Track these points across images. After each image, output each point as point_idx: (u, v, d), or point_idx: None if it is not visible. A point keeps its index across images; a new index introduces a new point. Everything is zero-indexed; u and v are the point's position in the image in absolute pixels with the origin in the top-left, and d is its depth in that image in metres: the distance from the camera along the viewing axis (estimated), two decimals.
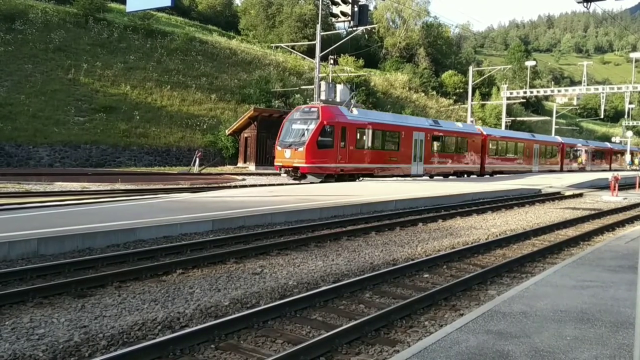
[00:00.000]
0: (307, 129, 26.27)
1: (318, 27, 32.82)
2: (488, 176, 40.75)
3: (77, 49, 47.32)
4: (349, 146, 27.72)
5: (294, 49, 49.06)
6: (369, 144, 29.46)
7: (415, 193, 21.05)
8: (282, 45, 50.66)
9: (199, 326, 6.17)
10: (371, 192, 20.86)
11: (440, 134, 35.59)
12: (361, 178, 29.53)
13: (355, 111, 29.26)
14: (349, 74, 59.26)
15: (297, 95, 54.33)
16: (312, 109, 27.12)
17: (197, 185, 25.53)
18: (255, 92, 52.39)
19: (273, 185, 26.27)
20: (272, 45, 60.27)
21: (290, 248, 11.16)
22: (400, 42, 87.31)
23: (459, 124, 40.46)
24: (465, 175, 39.08)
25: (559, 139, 56.92)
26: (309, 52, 47.52)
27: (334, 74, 43.93)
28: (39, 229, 10.20)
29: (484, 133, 41.22)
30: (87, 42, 48.85)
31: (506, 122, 60.96)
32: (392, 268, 9.34)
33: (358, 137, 28.60)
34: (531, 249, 11.94)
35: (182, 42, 56.12)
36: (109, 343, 5.86)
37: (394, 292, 8.30)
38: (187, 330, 6.05)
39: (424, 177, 34.46)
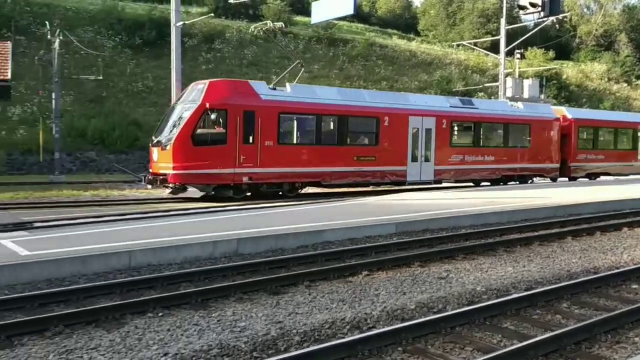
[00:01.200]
0: (182, 117, 18.21)
1: (502, 21, 31.42)
2: (581, 179, 28.81)
3: (267, 62, 50.85)
4: (265, 141, 18.78)
5: (476, 45, 47.54)
6: (312, 138, 20.42)
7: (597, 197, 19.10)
8: (463, 42, 49.26)
9: (387, 328, 6.20)
10: (565, 196, 19.37)
11: (470, 118, 24.33)
12: (300, 189, 20.48)
13: (289, 88, 20.21)
14: (538, 68, 55.78)
15: (481, 94, 52.51)
16: (199, 86, 18.91)
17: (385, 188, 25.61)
18: (437, 92, 51.69)
19: (461, 187, 25.49)
20: (453, 43, 58.98)
21: (476, 252, 10.77)
22: (596, 29, 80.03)
23: (518, 105, 27.25)
24: (533, 181, 27.16)
25: None
26: (493, 47, 45.66)
27: (520, 69, 41.67)
28: (238, 230, 11.09)
29: (569, 117, 28.16)
30: (275, 55, 52.26)
31: None
32: (593, 277, 8.56)
33: (284, 126, 19.78)
34: None
35: (363, 48, 57.41)
36: (302, 339, 6.14)
37: (596, 303, 7.59)
38: (375, 331, 6.12)
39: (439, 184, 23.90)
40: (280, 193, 19.84)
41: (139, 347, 5.85)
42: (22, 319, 6.50)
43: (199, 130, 17.87)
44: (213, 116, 17.92)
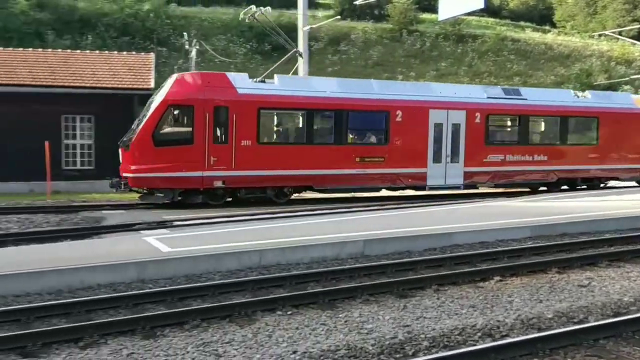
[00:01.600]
0: (145, 115, 16.44)
1: None
2: None
3: (393, 62, 50.60)
4: (241, 140, 16.55)
5: (621, 34, 43.90)
6: (301, 136, 18.09)
7: None
8: (606, 32, 45.74)
9: (521, 337, 5.87)
10: None
11: (514, 111, 20.59)
12: (289, 195, 17.91)
13: (277, 80, 17.65)
14: None
15: (627, 87, 48.41)
16: (168, 81, 16.94)
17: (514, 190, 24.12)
18: (575, 87, 48.44)
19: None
20: (594, 34, 55.02)
21: (623, 259, 9.90)
22: None
23: (585, 94, 22.88)
24: (605, 184, 22.49)
25: None
26: None
27: None
28: (364, 231, 11.09)
29: None
30: (401, 55, 51.85)
31: None
32: None
33: (266, 123, 17.74)
34: None
35: (493, 43, 55.27)
36: (430, 344, 5.97)
37: None
38: (509, 340, 5.82)
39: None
40: (272, 198, 17.47)
41: (269, 344, 6.01)
42: (164, 312, 6.95)
43: (161, 129, 15.98)
44: (177, 113, 16.01)
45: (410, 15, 55.66)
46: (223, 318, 6.83)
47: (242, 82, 16.92)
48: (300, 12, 23.76)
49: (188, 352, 5.83)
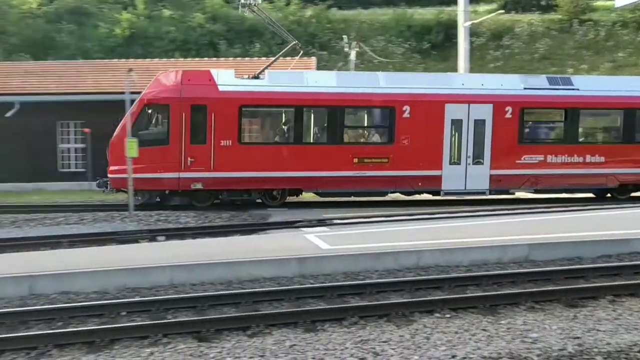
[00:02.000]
0: (126, 114, 15.65)
1: None
2: None
3: (562, 54, 47.24)
4: (220, 140, 15.55)
5: None
6: (289, 135, 16.57)
7: None
8: None
9: None
10: None
11: (559, 103, 17.48)
12: (280, 198, 16.50)
13: (267, 76, 16.27)
14: None
15: None
16: (153, 79, 16.36)
17: None
18: None
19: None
20: None
21: None
22: None
23: None
24: None
25: None
26: None
27: None
28: (529, 235, 10.48)
29: None
30: (571, 47, 48.23)
31: None
32: None
33: (248, 122, 16.83)
34: None
35: None
36: (604, 359, 5.49)
37: None
38: None
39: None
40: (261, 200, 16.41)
41: (427, 346, 5.93)
42: (324, 307, 7.17)
43: (137, 129, 15.29)
44: (153, 112, 15.77)
45: (582, 4, 51.60)
46: (380, 317, 6.87)
47: (225, 79, 15.98)
48: (461, 8, 23.14)
49: (347, 347, 5.95)
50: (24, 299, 7.75)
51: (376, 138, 17.03)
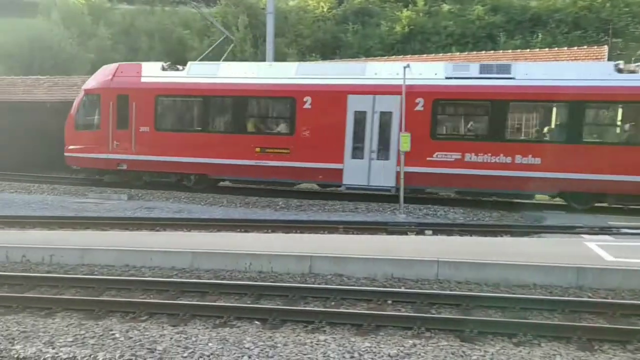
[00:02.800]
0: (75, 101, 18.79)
1: None
2: None
3: None
4: (140, 126, 17.24)
5: None
6: (197, 124, 17.39)
7: None
8: None
9: None
10: None
11: (484, 94, 14.64)
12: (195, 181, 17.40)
13: (189, 68, 17.35)
14: None
15: None
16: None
17: None
18: None
19: None
20: None
21: None
22: None
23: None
24: None
25: None
26: None
27: None
28: None
29: None
30: None
31: None
32: None
33: (163, 111, 17.45)
34: None
35: None
36: None
37: None
38: None
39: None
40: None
41: None
42: (603, 326, 6.45)
43: (78, 114, 18.05)
44: (89, 100, 17.96)
45: None
46: None
47: (149, 71, 17.63)
48: None
49: None
50: (305, 276, 8.57)
51: (278, 129, 16.93)
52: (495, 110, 14.95)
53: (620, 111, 14.88)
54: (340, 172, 15.94)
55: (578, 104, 14.47)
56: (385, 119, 15.59)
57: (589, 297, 7.56)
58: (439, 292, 7.70)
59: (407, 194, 14.82)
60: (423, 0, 33.89)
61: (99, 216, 13.51)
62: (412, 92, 14.98)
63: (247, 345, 5.89)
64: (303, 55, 32.54)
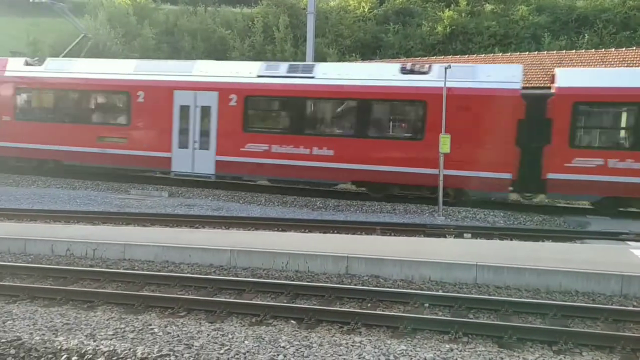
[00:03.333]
0: None
1: None
2: None
3: None
4: (2, 116, 19.31)
5: None
6: (50, 114, 19.02)
7: None
8: None
9: None
10: None
11: (284, 92, 16.51)
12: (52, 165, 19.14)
13: (47, 63, 19.33)
14: None
15: None
16: None
17: None
18: None
19: None
20: None
21: None
22: None
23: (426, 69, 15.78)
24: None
25: None
26: None
27: None
28: None
29: (562, 86, 14.62)
30: None
31: None
32: None
33: (21, 102, 19.40)
34: None
35: None
36: None
37: None
38: None
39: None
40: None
41: None
42: None
43: None
44: None
45: None
46: None
47: (13, 66, 19.43)
48: None
49: None
50: (341, 277, 8.56)
51: (116, 120, 18.52)
52: (296, 106, 16.58)
53: (402, 109, 16.28)
54: (169, 160, 17.68)
55: (364, 102, 15.97)
56: (205, 113, 17.28)
57: (634, 306, 7.34)
58: (478, 296, 7.58)
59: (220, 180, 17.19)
60: (465, 0, 33.43)
61: (140, 212, 13.77)
62: (226, 89, 16.97)
63: (282, 344, 5.91)
64: (343, 55, 32.49)
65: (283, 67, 17.00)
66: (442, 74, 14.63)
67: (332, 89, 16.14)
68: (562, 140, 14.40)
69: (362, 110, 16.03)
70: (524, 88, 15.36)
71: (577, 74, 15.65)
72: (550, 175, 14.53)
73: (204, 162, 17.28)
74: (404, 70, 15.81)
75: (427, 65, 15.99)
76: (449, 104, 14.44)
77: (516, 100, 14.66)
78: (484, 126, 14.86)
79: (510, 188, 15.20)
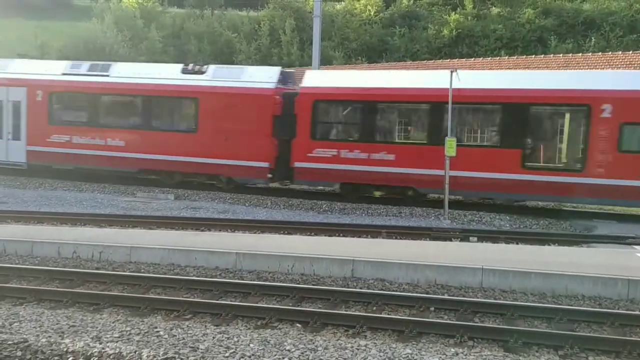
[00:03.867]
0: None
1: None
2: None
3: None
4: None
5: None
6: None
7: None
8: None
9: None
10: None
11: (81, 88, 18.44)
12: None
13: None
14: None
15: None
16: None
17: None
18: None
19: None
20: None
21: None
22: None
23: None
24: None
25: None
26: None
27: None
28: None
29: (307, 86, 16.85)
30: None
31: None
32: None
33: None
34: None
35: None
36: None
37: None
38: None
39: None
40: None
41: None
42: None
43: None
44: None
45: None
46: None
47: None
48: None
49: None
50: (347, 280, 8.56)
51: None
52: (93, 101, 18.38)
53: (180, 105, 18.22)
54: None
55: (150, 98, 17.91)
56: (16, 107, 19.04)
57: None
58: (483, 300, 7.57)
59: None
60: (472, 3, 33.39)
61: (146, 215, 13.80)
62: (34, 85, 18.75)
63: (287, 348, 5.92)
64: (349, 58, 32.52)
65: (85, 66, 18.88)
66: (215, 75, 17.23)
67: (123, 86, 18.01)
68: (305, 133, 16.27)
69: (148, 106, 17.98)
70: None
71: (319, 76, 18.18)
72: (297, 164, 16.37)
73: (17, 152, 19.19)
74: (184, 71, 17.71)
75: (205, 67, 17.83)
76: (217, 101, 16.80)
77: (271, 99, 16.57)
78: (247, 121, 16.66)
79: (269, 175, 16.89)
